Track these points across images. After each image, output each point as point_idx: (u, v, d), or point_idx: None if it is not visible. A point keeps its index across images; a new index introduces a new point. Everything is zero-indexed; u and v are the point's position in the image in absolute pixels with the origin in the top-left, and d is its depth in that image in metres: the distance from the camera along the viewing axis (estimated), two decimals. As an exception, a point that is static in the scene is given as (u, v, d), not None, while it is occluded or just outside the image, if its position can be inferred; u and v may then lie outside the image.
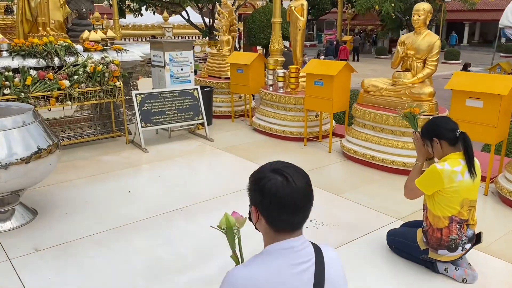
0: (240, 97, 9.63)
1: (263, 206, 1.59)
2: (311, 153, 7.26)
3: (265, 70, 8.77)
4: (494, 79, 5.47)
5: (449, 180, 3.51)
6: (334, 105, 6.88)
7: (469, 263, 3.85)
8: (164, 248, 4.25)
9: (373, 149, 6.39)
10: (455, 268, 3.78)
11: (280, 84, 8.03)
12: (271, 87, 8.28)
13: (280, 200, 1.56)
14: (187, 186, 5.86)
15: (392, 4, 28.45)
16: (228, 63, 9.21)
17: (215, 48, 10.30)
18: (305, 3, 7.91)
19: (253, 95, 9.87)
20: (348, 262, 4.11)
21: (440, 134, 3.68)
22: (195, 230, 4.61)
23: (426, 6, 6.33)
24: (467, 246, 3.71)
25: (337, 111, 7.16)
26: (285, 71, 8.04)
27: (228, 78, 9.41)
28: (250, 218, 1.75)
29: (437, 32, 31.11)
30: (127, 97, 7.92)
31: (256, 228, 1.73)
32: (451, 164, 3.55)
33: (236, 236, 1.83)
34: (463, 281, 3.73)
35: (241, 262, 1.83)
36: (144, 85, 10.69)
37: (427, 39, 6.35)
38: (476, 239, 3.76)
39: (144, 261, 3.99)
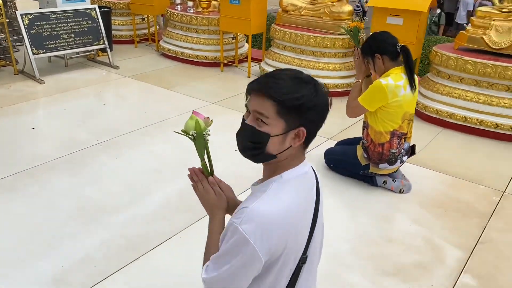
0: (143, 19, 8.73)
1: (314, 122, 1.34)
2: (230, 79, 6.95)
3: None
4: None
5: (393, 94, 3.52)
6: (252, 25, 6.53)
7: (403, 175, 4.04)
8: (93, 187, 3.78)
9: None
10: (393, 180, 3.94)
11: (190, 3, 7.38)
12: (179, 6, 7.58)
13: (326, 108, 1.35)
14: (101, 118, 5.25)
15: None
16: (126, -21, 8.18)
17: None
18: None
19: (162, 16, 8.98)
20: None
21: (382, 49, 3.62)
22: (123, 166, 4.17)
23: None
24: (404, 158, 3.85)
25: (255, 33, 6.84)
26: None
27: (128, -3, 8.41)
28: (257, 148, 1.35)
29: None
30: (9, 20, 6.67)
31: (265, 157, 1.38)
32: (394, 79, 3.54)
33: (206, 142, 1.51)
34: (400, 191, 3.91)
35: (211, 171, 1.54)
36: (26, 5, 9.16)
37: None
38: (411, 151, 3.92)
39: (73, 204, 3.52)
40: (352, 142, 4.23)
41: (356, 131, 4.62)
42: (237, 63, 7.42)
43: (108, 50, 7.09)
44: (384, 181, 3.94)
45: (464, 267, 3.05)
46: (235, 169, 4.08)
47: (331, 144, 4.58)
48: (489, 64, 4.91)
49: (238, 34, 7.26)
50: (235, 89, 6.43)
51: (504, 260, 3.16)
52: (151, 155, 4.39)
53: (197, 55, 7.33)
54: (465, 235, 3.40)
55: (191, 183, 1.58)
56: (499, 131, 4.99)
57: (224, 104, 5.82)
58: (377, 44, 3.64)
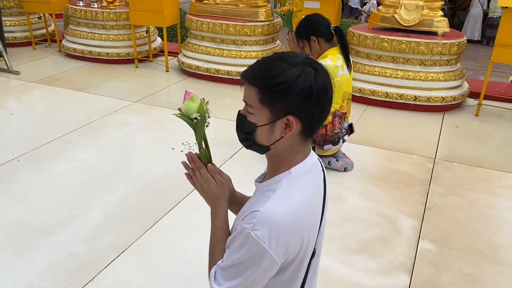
0: (39, 17, 7.90)
1: (306, 109, 1.14)
2: (147, 75, 6.59)
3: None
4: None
5: (333, 75, 3.49)
6: (166, 17, 6.23)
7: (344, 153, 4.13)
8: (20, 208, 3.32)
9: (217, 62, 6.13)
10: (336, 160, 4.01)
11: (93, -2, 6.84)
12: (81, 2, 6.98)
13: (324, 95, 1.15)
14: (12, 130, 4.66)
15: None
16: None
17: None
18: None
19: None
20: (237, 173, 3.96)
21: (317, 31, 3.62)
22: (50, 180, 3.74)
23: None
24: (346, 137, 3.93)
25: (170, 24, 6.53)
26: (97, -19, 6.83)
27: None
28: (249, 138, 1.23)
29: None
30: None
31: (258, 151, 1.25)
32: (332, 59, 3.58)
33: (206, 125, 1.33)
34: (345, 170, 4.00)
35: (210, 158, 1.35)
36: None
37: None
38: (350, 130, 4.01)
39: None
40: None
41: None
42: (152, 58, 7.05)
43: (4, 54, 6.33)
44: (329, 161, 3.99)
45: (420, 234, 3.20)
46: (167, 173, 3.89)
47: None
48: (403, 41, 5.20)
49: (150, 27, 6.90)
50: (155, 85, 6.11)
51: (452, 221, 3.36)
52: (79, 164, 3.99)
53: (108, 53, 6.84)
54: (412, 204, 3.56)
55: (186, 172, 1.37)
56: (418, 103, 5.33)
57: (147, 102, 5.50)
58: (312, 26, 3.63)
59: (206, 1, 6.24)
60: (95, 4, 6.86)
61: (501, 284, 2.77)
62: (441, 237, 3.18)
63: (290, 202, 1.18)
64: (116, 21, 6.74)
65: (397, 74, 5.33)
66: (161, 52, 7.25)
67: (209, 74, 6.20)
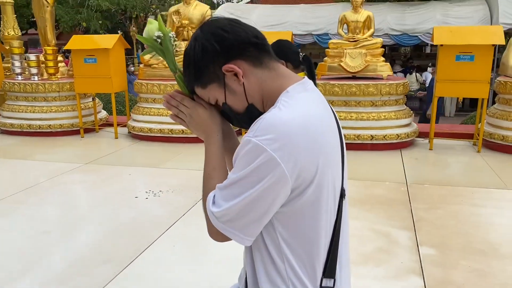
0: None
1: (240, 47, 1.05)
2: (97, 142, 6.26)
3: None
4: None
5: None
6: (114, 83, 6.11)
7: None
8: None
9: (170, 122, 5.97)
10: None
11: (34, 71, 6.60)
12: (19, 76, 6.70)
13: (250, 32, 1.08)
14: None
15: (100, 22, 28.02)
16: None
17: None
18: (50, -24, 6.75)
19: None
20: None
21: (287, 57, 3.68)
22: (4, 235, 3.22)
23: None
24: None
25: (118, 91, 6.39)
26: (37, 54, 6.66)
27: None
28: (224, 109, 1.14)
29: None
30: None
31: (255, 114, 1.10)
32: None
33: (174, 47, 1.19)
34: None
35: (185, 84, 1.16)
36: None
37: (199, 8, 6.40)
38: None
39: None
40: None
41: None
42: (97, 128, 6.76)
43: None
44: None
45: (417, 242, 3.06)
46: (135, 217, 3.55)
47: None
48: (353, 84, 5.45)
49: (96, 98, 6.70)
50: (104, 150, 5.78)
51: (443, 229, 3.27)
52: (33, 219, 3.51)
53: (50, 125, 6.46)
54: (401, 219, 3.45)
55: (171, 113, 1.18)
56: (374, 141, 5.45)
57: (99, 163, 5.13)
58: (284, 51, 3.69)
59: (155, 65, 6.25)
60: (36, 77, 6.61)
61: (514, 274, 2.65)
62: (439, 242, 3.06)
63: (296, 109, 1.02)
64: (59, 92, 6.49)
65: (351, 116, 5.49)
66: (107, 122, 7.00)
67: (163, 135, 6.01)
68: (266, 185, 0.96)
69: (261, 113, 1.08)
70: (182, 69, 1.15)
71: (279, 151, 0.94)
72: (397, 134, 5.47)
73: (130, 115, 6.55)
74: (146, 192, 4.10)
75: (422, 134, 6.00)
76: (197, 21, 6.34)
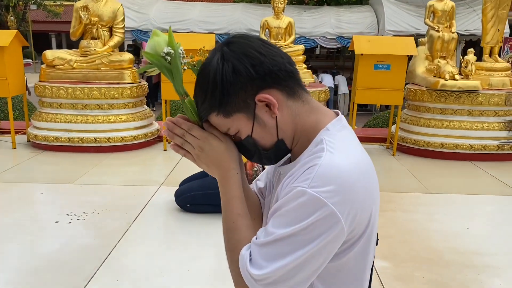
0: None
1: (276, 75, 0.90)
2: (-12, 154, 5.38)
3: None
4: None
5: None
6: (11, 85, 5.32)
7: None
8: None
9: (80, 130, 5.39)
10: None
11: None
12: None
13: (252, 55, 0.90)
14: None
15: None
16: None
17: None
18: None
19: None
20: (149, 232, 3.37)
21: None
22: None
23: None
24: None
25: (16, 94, 5.57)
26: None
27: None
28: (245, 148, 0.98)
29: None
30: None
31: (284, 151, 0.98)
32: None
33: (182, 64, 1.02)
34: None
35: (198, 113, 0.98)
36: None
37: (110, 5, 5.86)
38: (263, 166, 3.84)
39: None
40: (200, 176, 3.83)
41: (185, 172, 4.13)
42: (-11, 137, 5.86)
43: None
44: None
45: (369, 254, 3.08)
46: (60, 248, 3.12)
47: (166, 191, 4.06)
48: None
49: (-15, 101, 5.80)
50: (6, 162, 5.01)
51: (387, 237, 3.36)
52: None
53: None
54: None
55: (172, 144, 0.99)
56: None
57: (3, 179, 4.42)
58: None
59: (60, 66, 5.57)
60: None
61: (464, 281, 2.79)
62: (389, 254, 3.12)
63: (350, 153, 0.90)
64: None
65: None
66: (1, 130, 6.10)
67: (72, 145, 5.39)
68: (323, 243, 0.83)
69: (288, 150, 0.98)
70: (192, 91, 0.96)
71: (341, 205, 0.82)
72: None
73: (29, 122, 5.77)
74: (67, 215, 3.59)
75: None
76: (108, 18, 5.80)
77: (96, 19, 5.74)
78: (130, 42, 14.65)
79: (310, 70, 5.87)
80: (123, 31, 6.00)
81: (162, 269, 2.82)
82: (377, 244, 1.04)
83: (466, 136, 5.50)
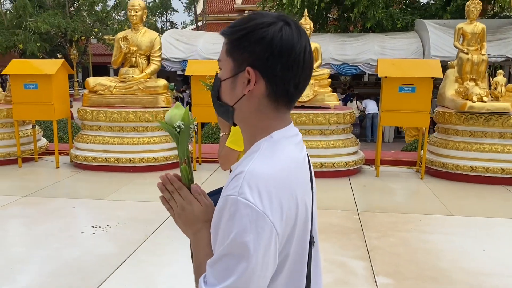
0: None
1: (266, 61, 1.01)
2: (35, 173, 5.87)
3: None
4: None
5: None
6: (56, 110, 5.82)
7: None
8: None
9: (116, 151, 5.77)
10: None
11: (-34, 96, 6.16)
12: (-50, 102, 6.23)
13: (289, 51, 1.01)
14: None
15: (38, 44, 26.93)
16: None
17: None
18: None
19: None
20: (164, 246, 3.53)
21: None
22: None
23: (141, 2, 6.29)
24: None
25: (60, 118, 6.08)
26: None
27: None
28: (217, 99, 1.10)
29: (85, 74, 31.52)
30: None
31: (226, 114, 1.10)
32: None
33: (191, 136, 1.20)
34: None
35: (192, 177, 1.11)
36: None
37: (148, 35, 6.31)
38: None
39: None
40: (215, 193, 3.99)
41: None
42: (37, 157, 6.37)
43: None
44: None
45: (373, 272, 3.09)
46: (81, 255, 3.34)
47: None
48: (303, 114, 5.55)
49: (36, 126, 6.33)
50: (45, 180, 5.43)
51: (396, 257, 3.35)
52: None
53: (-17, 154, 6.01)
54: (355, 248, 3.49)
55: (161, 195, 1.10)
56: (324, 169, 5.55)
57: (40, 195, 4.81)
58: None
59: (101, 92, 6.04)
60: (-32, 102, 6.17)
61: (466, 300, 2.74)
62: (394, 271, 3.11)
63: (276, 159, 1.00)
64: (-7, 118, 6.09)
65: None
66: (48, 151, 6.63)
67: (108, 164, 5.76)
68: (261, 248, 0.90)
69: (231, 121, 1.09)
70: (188, 160, 1.11)
71: (266, 204, 0.90)
72: (345, 162, 5.60)
73: (72, 143, 6.25)
74: (93, 227, 3.87)
75: (368, 162, 6.20)
76: (146, 47, 6.25)
77: (134, 48, 6.19)
78: (180, 72, 15.35)
79: (335, 94, 5.95)
80: (159, 59, 6.42)
81: (170, 278, 2.98)
82: (313, 245, 1.11)
83: (497, 159, 5.34)
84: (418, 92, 5.37)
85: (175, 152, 5.90)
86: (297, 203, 0.99)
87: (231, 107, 1.06)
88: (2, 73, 6.05)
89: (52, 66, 5.85)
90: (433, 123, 6.34)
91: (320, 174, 5.57)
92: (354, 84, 17.41)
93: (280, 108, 1.05)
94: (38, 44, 27.47)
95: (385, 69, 5.50)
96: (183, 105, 1.19)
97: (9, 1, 26.57)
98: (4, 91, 6.78)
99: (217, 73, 1.09)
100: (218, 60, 1.08)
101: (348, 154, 5.70)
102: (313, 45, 6.10)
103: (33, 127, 6.28)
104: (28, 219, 4.13)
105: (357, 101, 13.80)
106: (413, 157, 6.40)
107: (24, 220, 4.11)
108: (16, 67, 5.89)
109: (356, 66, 13.17)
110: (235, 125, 1.12)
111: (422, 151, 5.80)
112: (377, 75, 5.94)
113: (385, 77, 5.41)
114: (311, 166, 1.23)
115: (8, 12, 25.67)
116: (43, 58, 28.29)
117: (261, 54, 0.99)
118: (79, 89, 23.53)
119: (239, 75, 1.02)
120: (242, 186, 0.91)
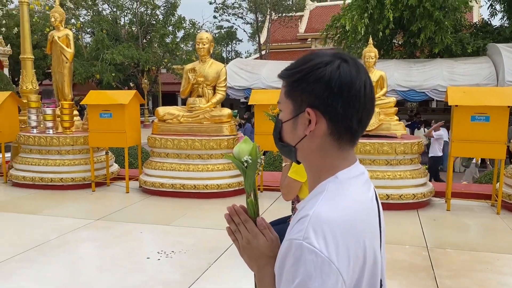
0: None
1: (326, 100, 0.99)
2: (108, 197, 6.19)
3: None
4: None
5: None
6: (128, 138, 6.14)
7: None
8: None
9: (182, 177, 5.95)
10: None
11: (49, 124, 6.67)
12: (35, 129, 6.78)
13: (349, 87, 0.99)
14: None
15: (113, 74, 28.78)
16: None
17: None
18: (71, 33, 6.99)
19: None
20: (226, 274, 3.53)
21: None
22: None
23: (208, 35, 6.56)
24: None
25: (132, 145, 6.41)
26: (53, 108, 6.75)
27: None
28: (280, 140, 1.10)
29: (155, 102, 33.10)
30: None
31: (289, 154, 1.10)
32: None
33: (258, 172, 1.20)
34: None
35: (258, 211, 1.12)
36: None
37: (214, 66, 6.54)
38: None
39: None
40: (278, 223, 3.97)
41: (269, 220, 4.32)
42: (109, 182, 6.72)
43: None
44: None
45: (445, 314, 2.89)
46: (146, 281, 3.42)
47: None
48: (368, 143, 5.42)
49: (109, 152, 6.72)
50: (116, 205, 5.70)
51: (472, 300, 3.11)
52: (39, 281, 3.39)
53: (61, 178, 6.44)
54: (425, 288, 3.29)
55: (228, 226, 1.13)
56: (391, 201, 5.34)
57: (110, 219, 5.04)
58: None
59: (169, 121, 6.30)
60: (51, 130, 6.68)
61: None
62: (469, 316, 2.89)
63: (342, 203, 0.98)
64: (72, 145, 6.52)
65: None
66: (119, 176, 6.98)
67: (174, 190, 5.95)
68: None
69: (294, 159, 1.09)
70: (255, 194, 1.12)
71: (332, 251, 0.88)
72: (413, 194, 5.37)
73: (142, 169, 6.53)
74: (158, 252, 3.98)
75: (438, 194, 5.89)
76: (213, 78, 6.47)
77: (202, 79, 6.43)
78: (243, 99, 15.70)
79: (401, 122, 5.77)
80: (225, 89, 6.61)
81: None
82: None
83: None
84: (492, 121, 5.07)
85: (238, 179, 5.99)
86: (364, 248, 0.97)
87: (293, 147, 1.06)
88: (81, 103, 6.51)
89: (125, 96, 6.21)
90: (510, 154, 5.95)
91: (386, 206, 5.32)
92: (421, 110, 16.82)
93: (344, 146, 1.04)
94: (113, 74, 29.33)
95: (456, 97, 5.27)
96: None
97: (89, 36, 28.74)
98: (81, 119, 7.30)
99: (278, 115, 1.09)
100: (278, 102, 1.09)
101: (416, 185, 5.47)
102: (379, 73, 6.01)
103: (106, 153, 6.67)
104: (99, 242, 4.34)
105: (425, 128, 13.27)
106: (487, 189, 6.00)
107: (95, 244, 4.32)
108: (93, 97, 6.33)
109: (423, 92, 12.76)
110: (299, 163, 1.12)
111: (498, 183, 5.43)
112: (443, 101, 5.70)
113: (456, 105, 5.18)
114: (380, 205, 1.19)
115: (88, 45, 27.74)
116: (117, 87, 30.15)
117: (320, 93, 0.99)
118: (149, 116, 24.73)
119: (300, 116, 1.02)
120: (307, 230, 0.90)
